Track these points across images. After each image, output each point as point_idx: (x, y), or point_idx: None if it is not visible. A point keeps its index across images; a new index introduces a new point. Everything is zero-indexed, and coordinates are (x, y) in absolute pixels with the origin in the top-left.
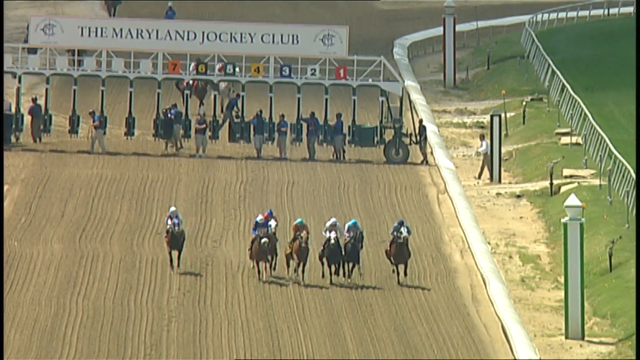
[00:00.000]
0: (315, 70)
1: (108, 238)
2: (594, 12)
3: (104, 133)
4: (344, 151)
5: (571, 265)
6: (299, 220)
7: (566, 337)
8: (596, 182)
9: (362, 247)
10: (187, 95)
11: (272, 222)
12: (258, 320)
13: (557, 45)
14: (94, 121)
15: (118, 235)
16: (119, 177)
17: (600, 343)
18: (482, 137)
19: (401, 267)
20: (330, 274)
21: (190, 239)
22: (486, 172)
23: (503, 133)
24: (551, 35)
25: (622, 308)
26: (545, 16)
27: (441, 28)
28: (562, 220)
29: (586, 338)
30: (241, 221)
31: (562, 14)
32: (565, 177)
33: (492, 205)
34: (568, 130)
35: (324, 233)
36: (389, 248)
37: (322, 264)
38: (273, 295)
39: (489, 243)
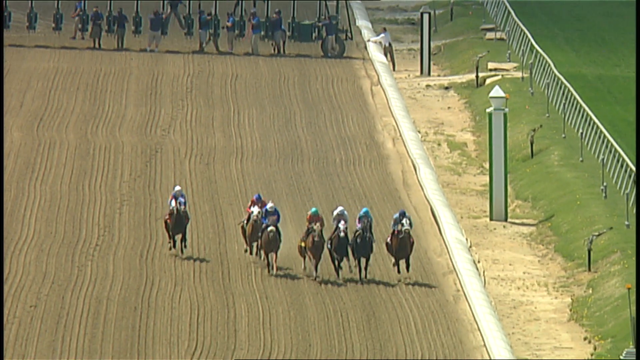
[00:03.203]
0: None
1: (64, 127)
2: None
3: None
4: (284, 45)
5: (495, 152)
6: (313, 209)
7: (490, 219)
8: (519, 74)
9: (371, 233)
10: None
11: (255, 209)
12: (204, 203)
13: None
14: None
15: (73, 124)
16: (74, 70)
17: (522, 224)
18: (383, 29)
19: (402, 262)
20: (339, 268)
21: (140, 128)
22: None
23: (432, 29)
24: None
25: (542, 192)
26: None
27: None
28: (487, 110)
29: (509, 220)
30: (188, 111)
31: None
32: (490, 70)
33: (422, 96)
34: (493, 26)
35: (332, 223)
36: (389, 241)
37: (333, 259)
38: (218, 180)
39: (419, 131)
